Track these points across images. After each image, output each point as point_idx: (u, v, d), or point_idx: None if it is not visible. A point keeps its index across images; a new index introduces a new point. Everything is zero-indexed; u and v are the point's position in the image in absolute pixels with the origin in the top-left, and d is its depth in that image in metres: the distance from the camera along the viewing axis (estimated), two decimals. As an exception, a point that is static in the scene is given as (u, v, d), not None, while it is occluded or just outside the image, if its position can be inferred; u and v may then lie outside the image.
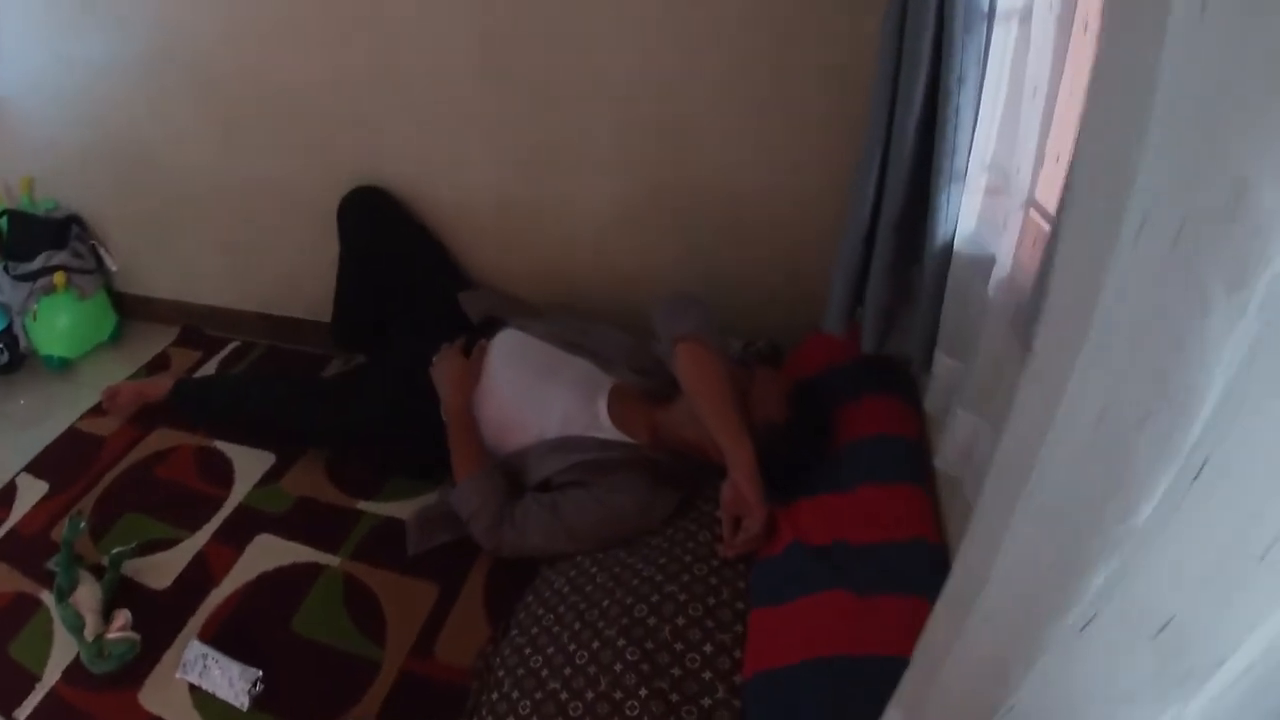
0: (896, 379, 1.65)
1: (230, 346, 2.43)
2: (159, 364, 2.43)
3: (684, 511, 1.60)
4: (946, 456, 1.27)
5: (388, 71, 1.88)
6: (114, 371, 2.41)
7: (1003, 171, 1.21)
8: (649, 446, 1.65)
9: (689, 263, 1.94)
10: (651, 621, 1.38)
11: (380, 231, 2.00)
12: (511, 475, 1.71)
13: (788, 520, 1.46)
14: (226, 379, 2.21)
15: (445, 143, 1.94)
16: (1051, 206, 1.10)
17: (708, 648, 1.32)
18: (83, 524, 1.76)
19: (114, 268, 2.54)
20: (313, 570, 1.76)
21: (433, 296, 1.99)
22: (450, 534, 1.71)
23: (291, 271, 2.28)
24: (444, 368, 1.78)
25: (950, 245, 1.30)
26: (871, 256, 1.42)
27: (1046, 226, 1.11)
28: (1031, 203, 1.13)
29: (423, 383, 1.81)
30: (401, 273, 2.00)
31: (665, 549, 1.51)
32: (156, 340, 2.51)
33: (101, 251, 2.51)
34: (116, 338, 2.56)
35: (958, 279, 1.28)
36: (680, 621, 1.36)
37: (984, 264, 1.18)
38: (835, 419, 1.59)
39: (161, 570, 1.78)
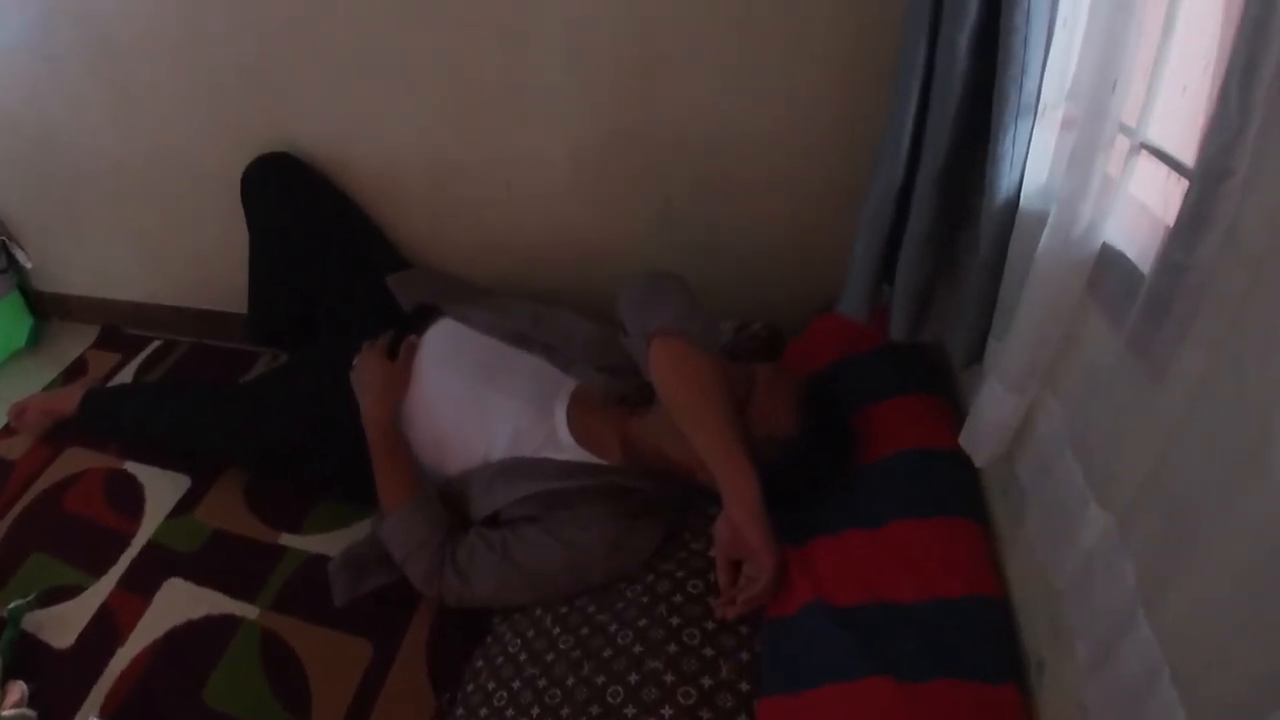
0: (933, 373, 1.26)
1: (151, 347, 2.07)
2: (77, 370, 2.07)
3: (668, 550, 1.22)
4: (979, 445, 0.95)
5: (292, 9, 1.47)
6: (32, 380, 2.05)
7: (1095, 101, 0.78)
8: (621, 468, 1.27)
9: (665, 230, 1.53)
10: (630, 712, 1.01)
11: (291, 206, 1.60)
12: (454, 501, 1.33)
13: (803, 567, 1.07)
14: (137, 389, 1.84)
15: (363, 95, 1.53)
16: (1181, 150, 0.73)
17: (702, 750, 0.95)
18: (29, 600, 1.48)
19: (28, 265, 2.18)
20: (228, 625, 1.43)
21: (358, 281, 1.59)
22: (384, 577, 1.34)
23: (208, 258, 1.89)
24: (363, 373, 1.39)
25: (1015, 202, 0.91)
26: (905, 219, 1.04)
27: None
28: (1143, 143, 0.76)
29: (347, 384, 1.43)
30: (320, 254, 1.60)
31: (645, 606, 1.13)
32: (77, 343, 2.15)
33: (13, 248, 2.15)
34: (34, 342, 2.20)
35: (1024, 245, 0.88)
36: (667, 713, 0.99)
37: (1063, 227, 0.79)
38: (858, 427, 1.20)
39: (65, 625, 1.49)
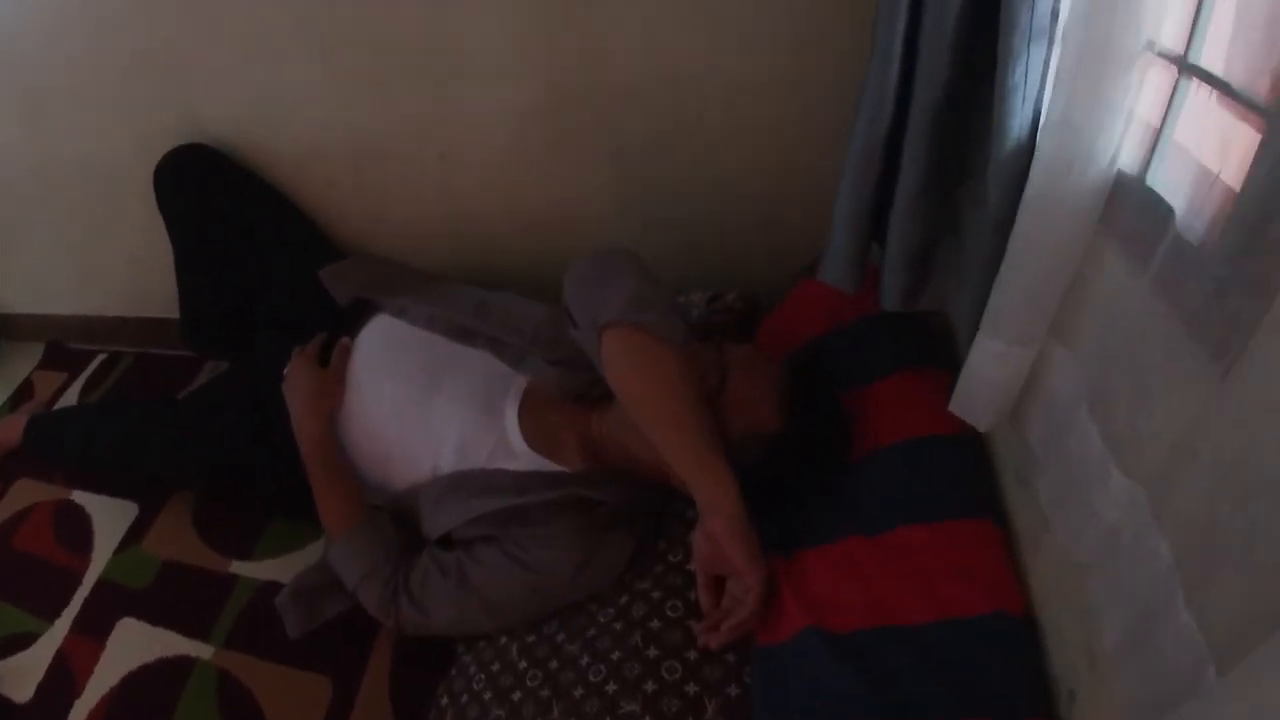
0: (935, 342, 1.08)
1: (95, 362, 1.91)
2: (24, 393, 1.92)
3: (642, 565, 1.06)
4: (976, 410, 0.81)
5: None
6: (-21, 410, 1.91)
7: (1125, 22, 0.60)
8: (584, 474, 1.10)
9: (620, 193, 1.35)
10: (602, 765, 0.86)
11: (210, 201, 1.41)
12: (406, 518, 1.18)
13: (795, 584, 0.91)
14: (78, 412, 1.69)
15: (274, 72, 1.33)
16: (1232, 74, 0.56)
17: (688, 809, 0.81)
18: None
19: None
20: (182, 667, 1.31)
21: (293, 276, 1.41)
22: (339, 605, 1.19)
23: (142, 264, 1.72)
24: (293, 383, 1.23)
25: (1029, 146, 0.72)
26: (896, 169, 0.85)
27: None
28: (1190, 69, 0.59)
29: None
30: (248, 250, 1.42)
31: (618, 634, 0.98)
32: (23, 364, 1.99)
33: (-50, 267, 1.99)
34: (-21, 367, 2.05)
35: (1041, 198, 0.69)
36: (643, 766, 0.84)
37: (1086, 173, 0.64)
38: (852, 413, 1.03)
39: (23, 676, 1.38)
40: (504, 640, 1.07)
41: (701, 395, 0.96)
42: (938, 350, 1.07)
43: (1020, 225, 0.71)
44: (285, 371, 1.25)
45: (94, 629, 1.40)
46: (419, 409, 1.16)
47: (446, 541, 1.12)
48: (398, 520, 1.19)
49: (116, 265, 1.80)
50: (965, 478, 0.90)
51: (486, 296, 1.28)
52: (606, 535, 1.05)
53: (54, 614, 1.44)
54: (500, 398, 1.15)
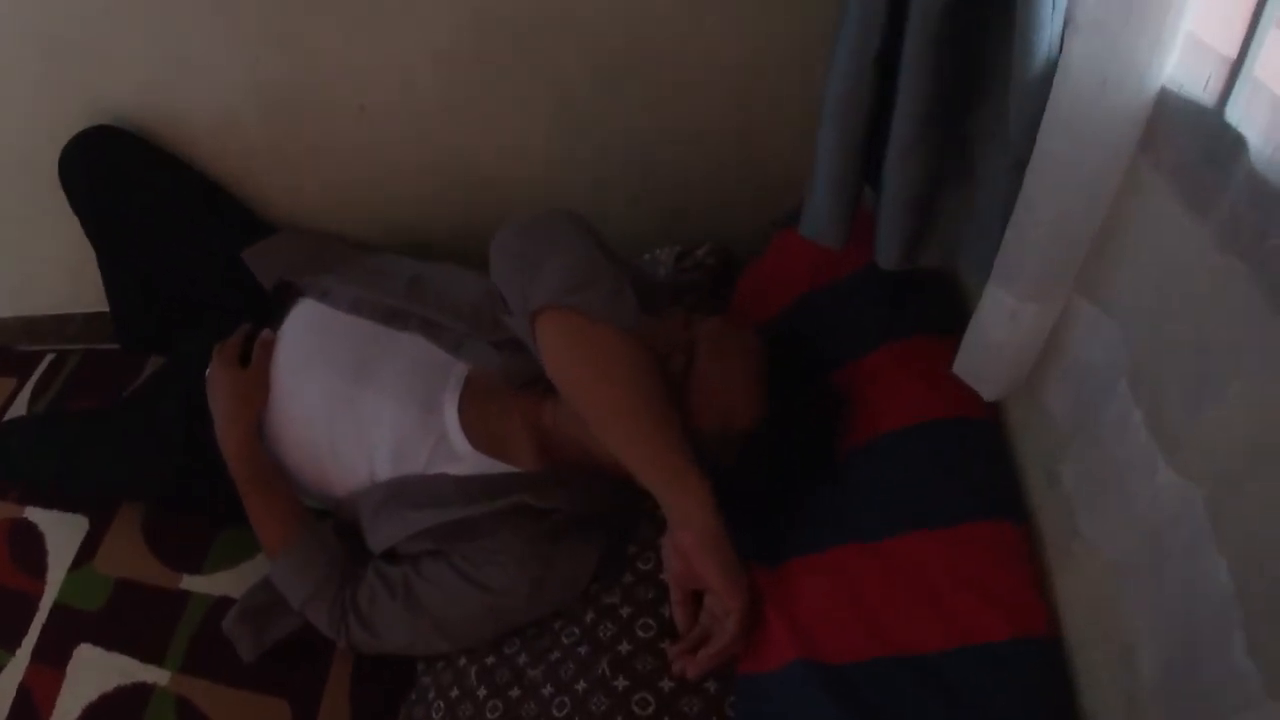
0: (940, 300, 0.91)
1: (44, 364, 1.78)
2: (-22, 406, 1.82)
3: (609, 574, 0.92)
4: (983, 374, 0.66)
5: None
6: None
7: None
8: (537, 474, 0.96)
9: (566, 139, 1.17)
10: (567, 818, 0.74)
11: (122, 187, 1.26)
12: (350, 527, 1.06)
13: (781, 605, 0.76)
14: (20, 425, 1.57)
15: (171, 34, 1.16)
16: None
17: None
18: None
19: None
20: (140, 695, 1.23)
21: (218, 261, 1.25)
22: (291, 623, 1.08)
23: (74, 258, 1.57)
24: (214, 386, 1.09)
25: (1050, 63, 0.54)
26: (892, 98, 0.68)
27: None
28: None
29: None
30: (170, 236, 1.27)
31: (584, 660, 0.84)
32: (-26, 372, 1.89)
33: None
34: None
35: (1064, 118, 0.52)
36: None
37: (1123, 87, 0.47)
38: (844, 394, 0.87)
39: None
40: (463, 662, 0.95)
41: (660, 385, 0.80)
42: (944, 314, 0.90)
43: (1038, 152, 0.54)
44: (207, 374, 1.10)
45: (53, 658, 1.32)
46: (348, 408, 1.01)
47: (393, 554, 0.99)
48: (343, 528, 1.06)
49: (50, 261, 1.67)
50: (979, 469, 0.75)
51: (421, 270, 1.12)
52: (563, 546, 0.92)
53: (15, 644, 1.37)
54: (438, 389, 1.00)
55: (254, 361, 1.08)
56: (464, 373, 1.01)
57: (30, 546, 1.47)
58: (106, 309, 1.70)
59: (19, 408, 1.74)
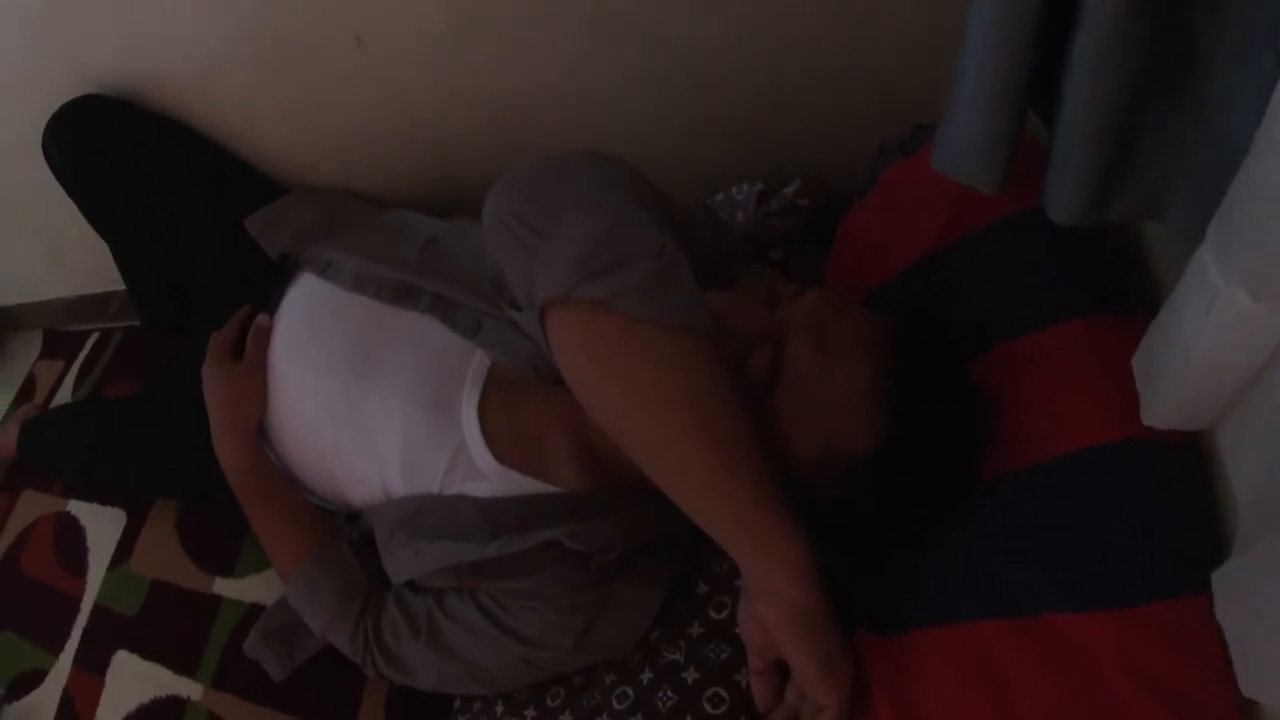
0: (1123, 266, 0.67)
1: (89, 344, 1.78)
2: (28, 390, 1.83)
3: (672, 620, 0.76)
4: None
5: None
6: (-1, 410, 1.86)
7: None
8: (581, 498, 0.78)
9: (605, 58, 0.96)
10: None
11: (113, 159, 1.14)
12: (370, 540, 0.93)
13: (894, 694, 0.57)
14: (59, 416, 1.54)
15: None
16: None
17: None
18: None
19: None
20: (174, 708, 1.20)
21: (226, 230, 1.12)
22: (317, 643, 0.97)
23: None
24: (207, 389, 0.96)
25: None
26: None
27: None
28: None
29: None
30: (172, 206, 1.15)
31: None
32: (26, 356, 1.90)
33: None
34: (-8, 366, 2.00)
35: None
36: None
37: None
38: (992, 396, 0.65)
39: (37, 716, 1.35)
40: (500, 709, 0.82)
41: (734, 404, 0.59)
42: (1126, 280, 0.66)
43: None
44: (203, 370, 0.98)
45: (94, 663, 1.33)
46: (351, 407, 0.87)
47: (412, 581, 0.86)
48: (366, 537, 0.93)
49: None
50: (1187, 523, 0.52)
51: (440, 231, 0.95)
52: (619, 584, 0.76)
53: (58, 647, 1.40)
54: (454, 386, 0.83)
55: (247, 356, 0.95)
56: (485, 365, 0.84)
57: (73, 542, 1.49)
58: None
59: (65, 390, 1.75)
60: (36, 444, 1.47)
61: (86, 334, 1.80)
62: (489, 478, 0.80)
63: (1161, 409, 0.51)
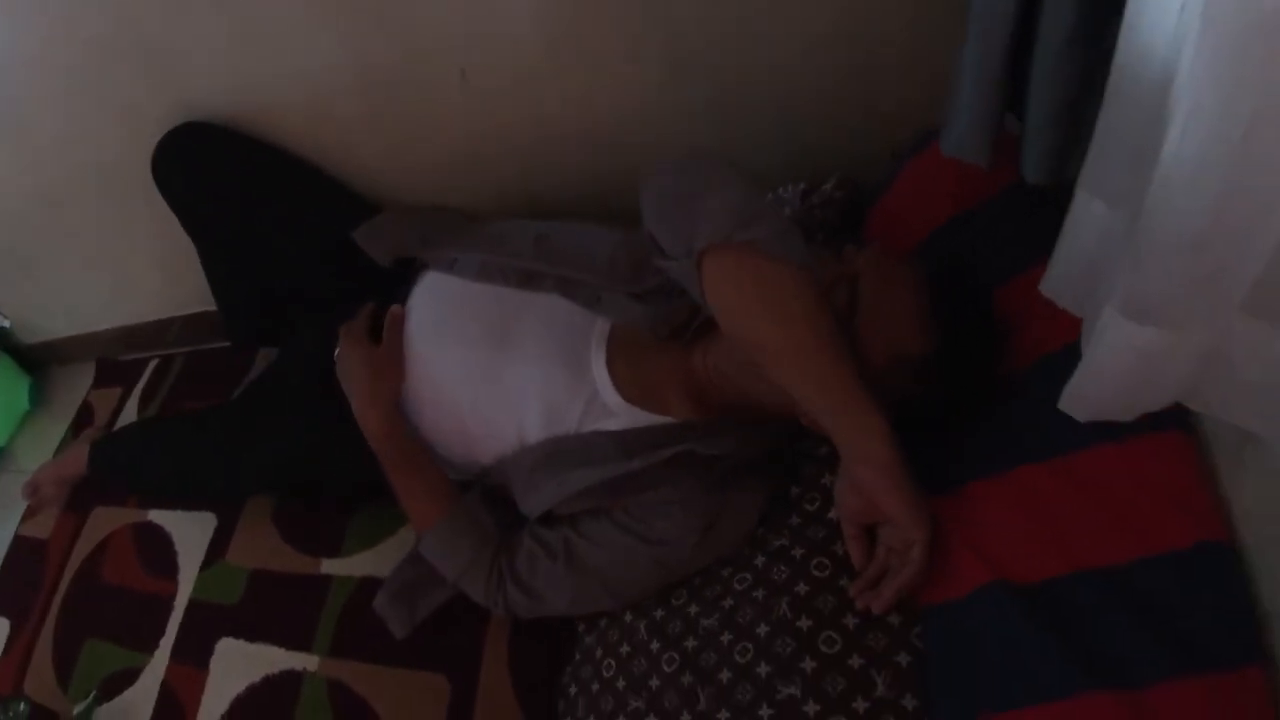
0: None
1: (148, 371, 1.91)
2: (84, 418, 1.95)
3: (775, 518, 0.97)
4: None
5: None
6: (47, 441, 1.97)
7: None
8: (695, 422, 1.00)
9: (678, 89, 1.19)
10: (766, 760, 0.78)
11: (218, 181, 1.34)
12: (499, 491, 1.12)
13: (966, 528, 0.80)
14: (136, 433, 1.66)
15: (258, 19, 1.22)
16: None
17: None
18: (24, 705, 1.47)
19: (6, 323, 2.08)
20: (291, 683, 1.30)
21: (323, 246, 1.33)
22: (441, 595, 1.14)
23: (168, 261, 1.68)
24: (345, 367, 1.15)
25: None
26: (1034, 18, 0.72)
27: None
28: None
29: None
30: (271, 225, 1.34)
31: (761, 604, 0.89)
32: (78, 387, 2.03)
33: (-13, 308, 2.04)
34: (37, 400, 2.12)
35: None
36: (815, 757, 0.76)
37: None
38: (1005, 313, 0.89)
39: (132, 715, 1.43)
40: (629, 618, 1.01)
41: (833, 321, 0.82)
42: None
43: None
44: (335, 355, 1.17)
45: (194, 655, 1.42)
46: (490, 374, 1.07)
47: (546, 517, 1.05)
48: (490, 496, 1.12)
49: (144, 268, 1.79)
50: None
51: (544, 229, 1.16)
52: (729, 494, 0.96)
53: (152, 645, 1.48)
54: (582, 347, 1.05)
55: (386, 338, 1.14)
56: (606, 328, 1.06)
57: (159, 548, 1.58)
58: (205, 310, 1.81)
59: (128, 415, 1.86)
60: (110, 460, 1.59)
61: (144, 362, 1.93)
62: (619, 415, 1.01)
63: (1051, 284, 0.76)
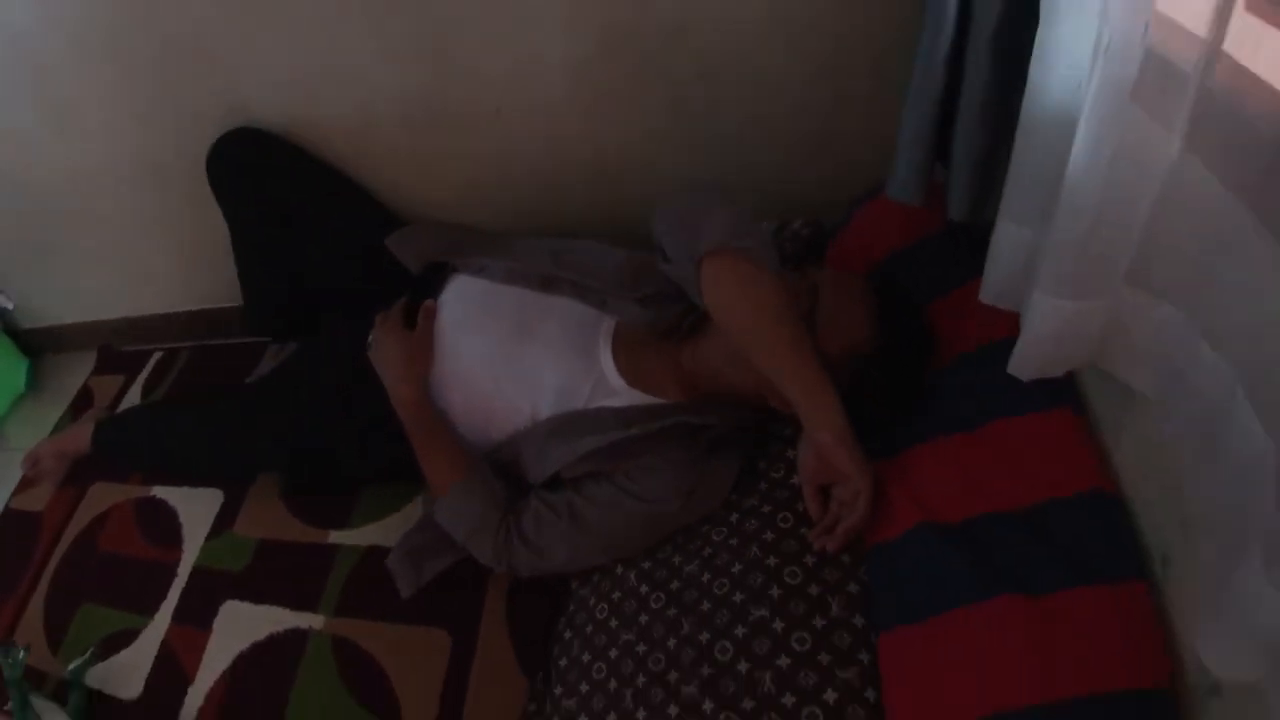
0: None
1: (152, 361, 2.02)
2: (83, 401, 2.04)
3: (746, 484, 1.18)
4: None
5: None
6: (41, 423, 2.04)
7: None
8: (685, 405, 1.21)
9: (679, 133, 1.44)
10: (743, 667, 0.98)
11: (265, 184, 1.53)
12: (507, 468, 1.30)
13: (900, 483, 1.02)
14: (145, 412, 1.80)
15: (318, 43, 1.43)
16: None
17: (829, 695, 0.92)
18: (23, 653, 1.46)
19: (10, 305, 2.17)
20: (296, 640, 1.41)
21: (354, 251, 1.52)
22: (447, 559, 1.31)
23: (187, 255, 1.84)
24: (381, 350, 1.34)
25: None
26: (959, 85, 0.97)
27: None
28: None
29: (364, 366, 1.38)
30: (307, 228, 1.53)
31: (735, 549, 1.09)
32: (77, 373, 2.12)
33: (-10, 290, 2.12)
34: (33, 383, 2.20)
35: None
36: (784, 662, 0.96)
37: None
38: (934, 323, 1.14)
39: (129, 674, 1.48)
40: (620, 570, 1.19)
41: (800, 318, 1.07)
42: None
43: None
44: (370, 339, 1.36)
45: (197, 617, 1.49)
46: (512, 359, 1.27)
47: (552, 483, 1.24)
48: (497, 470, 1.30)
49: (162, 262, 1.91)
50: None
51: (560, 246, 1.38)
52: (711, 461, 1.17)
53: (152, 609, 1.54)
54: (592, 341, 1.26)
55: (420, 326, 1.34)
56: (611, 326, 1.28)
57: (162, 521, 1.66)
58: (211, 306, 1.95)
59: (131, 400, 1.95)
60: (115, 439, 1.70)
61: (147, 353, 2.04)
62: (621, 395, 1.23)
63: (988, 291, 0.99)
